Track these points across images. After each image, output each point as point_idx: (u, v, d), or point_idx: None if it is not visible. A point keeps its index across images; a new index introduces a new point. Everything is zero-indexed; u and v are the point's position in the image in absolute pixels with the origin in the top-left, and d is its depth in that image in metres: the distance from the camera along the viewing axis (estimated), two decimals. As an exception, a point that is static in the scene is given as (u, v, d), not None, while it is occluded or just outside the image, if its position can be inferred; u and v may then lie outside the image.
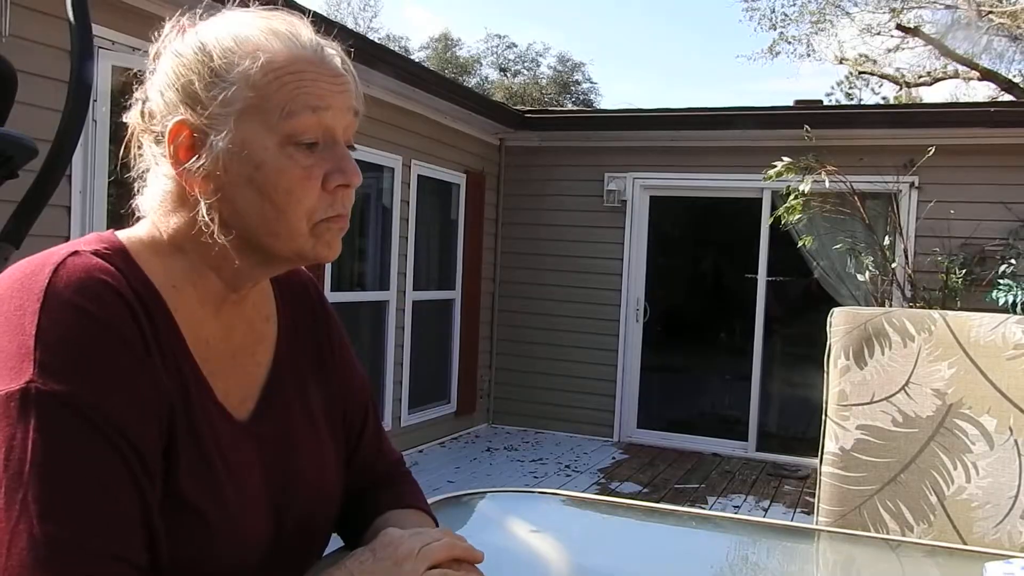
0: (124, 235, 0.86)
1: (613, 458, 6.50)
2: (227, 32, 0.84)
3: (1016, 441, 1.80)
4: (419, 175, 6.38)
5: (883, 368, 1.98)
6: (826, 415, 1.98)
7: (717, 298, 7.64)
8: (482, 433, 7.22)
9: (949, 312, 2.02)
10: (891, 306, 5.97)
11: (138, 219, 0.89)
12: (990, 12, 14.06)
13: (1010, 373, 1.86)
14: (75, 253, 0.79)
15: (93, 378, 0.73)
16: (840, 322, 2.07)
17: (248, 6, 0.90)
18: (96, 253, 0.80)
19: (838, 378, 2.01)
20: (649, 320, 7.16)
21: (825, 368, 2.06)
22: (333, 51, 0.88)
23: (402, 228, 6.21)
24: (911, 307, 5.79)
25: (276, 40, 0.83)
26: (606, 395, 7.16)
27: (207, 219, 0.83)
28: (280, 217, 0.83)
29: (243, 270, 0.88)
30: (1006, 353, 1.88)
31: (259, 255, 0.87)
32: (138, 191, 0.90)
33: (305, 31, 0.87)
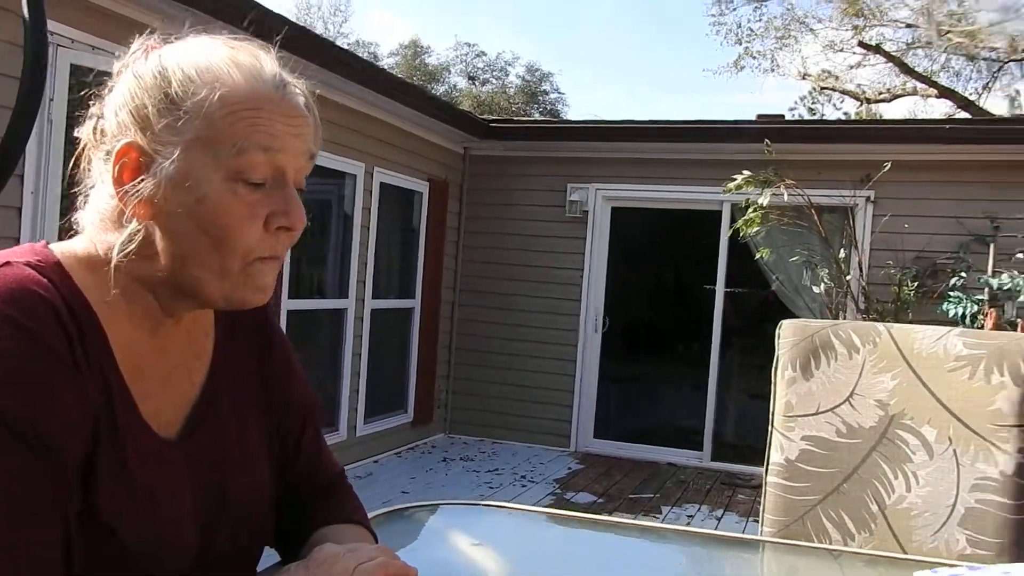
0: (59, 248, 0.85)
1: (569, 468, 6.50)
2: (190, 59, 0.83)
3: (955, 451, 1.83)
4: (382, 182, 6.35)
5: (829, 379, 2.01)
6: (772, 426, 2.01)
7: (676, 309, 7.70)
8: (439, 443, 7.18)
9: (894, 324, 2.05)
10: (845, 318, 6.07)
11: (75, 233, 0.88)
12: (948, 31, 14.42)
13: (950, 384, 1.89)
14: (7, 264, 0.78)
15: (24, 391, 0.72)
16: (788, 334, 2.10)
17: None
18: (29, 265, 0.79)
19: (785, 389, 2.04)
20: (608, 330, 7.18)
21: (773, 379, 2.08)
22: (297, 89, 0.86)
23: (363, 236, 6.18)
24: (864, 319, 5.89)
25: (237, 72, 0.82)
26: (563, 405, 7.17)
27: (131, 244, 0.82)
28: (215, 252, 0.82)
29: (172, 299, 0.87)
30: (947, 365, 1.91)
31: (186, 289, 0.85)
32: (80, 205, 0.88)
33: (269, 65, 0.85)
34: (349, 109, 5.86)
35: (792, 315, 6.29)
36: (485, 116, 10.81)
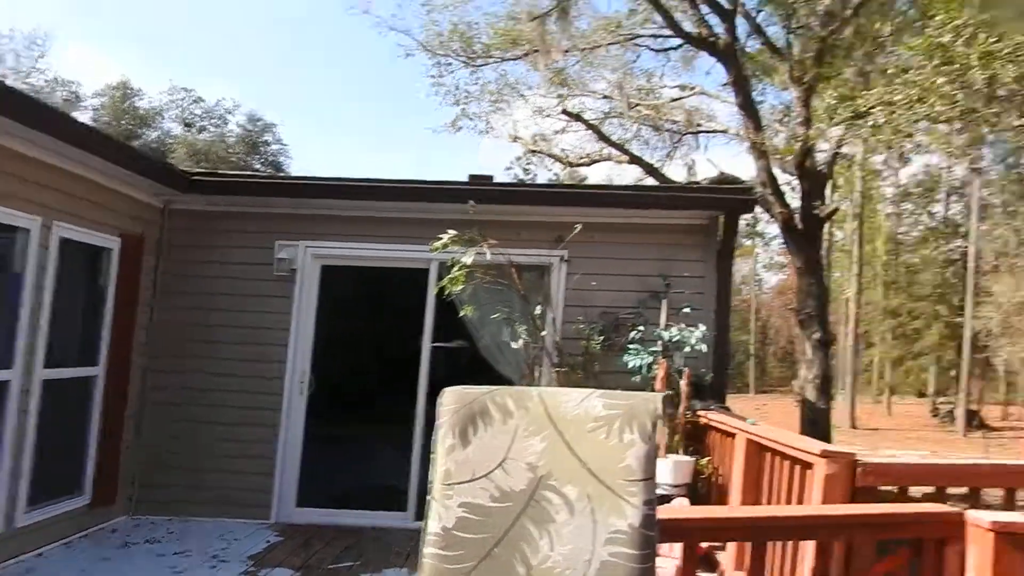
0: None
1: (267, 542, 6.14)
2: None
3: (592, 508, 1.96)
4: (62, 238, 5.75)
5: (485, 445, 2.08)
6: (431, 496, 2.03)
7: (385, 367, 7.69)
8: (121, 526, 6.47)
9: (546, 389, 2.17)
10: (541, 372, 6.43)
11: None
12: (638, 104, 16.14)
13: (590, 444, 2.03)
14: None
15: None
16: (450, 402, 2.15)
17: None
18: None
19: (444, 457, 2.08)
20: (315, 392, 6.97)
21: (434, 448, 2.11)
22: None
23: (36, 297, 5.52)
24: (557, 372, 6.28)
25: None
26: (264, 474, 6.82)
27: None
28: None
29: None
30: (588, 425, 2.05)
31: None
32: None
33: None
34: (21, 155, 5.27)
35: (495, 371, 6.56)
36: (200, 167, 10.25)
